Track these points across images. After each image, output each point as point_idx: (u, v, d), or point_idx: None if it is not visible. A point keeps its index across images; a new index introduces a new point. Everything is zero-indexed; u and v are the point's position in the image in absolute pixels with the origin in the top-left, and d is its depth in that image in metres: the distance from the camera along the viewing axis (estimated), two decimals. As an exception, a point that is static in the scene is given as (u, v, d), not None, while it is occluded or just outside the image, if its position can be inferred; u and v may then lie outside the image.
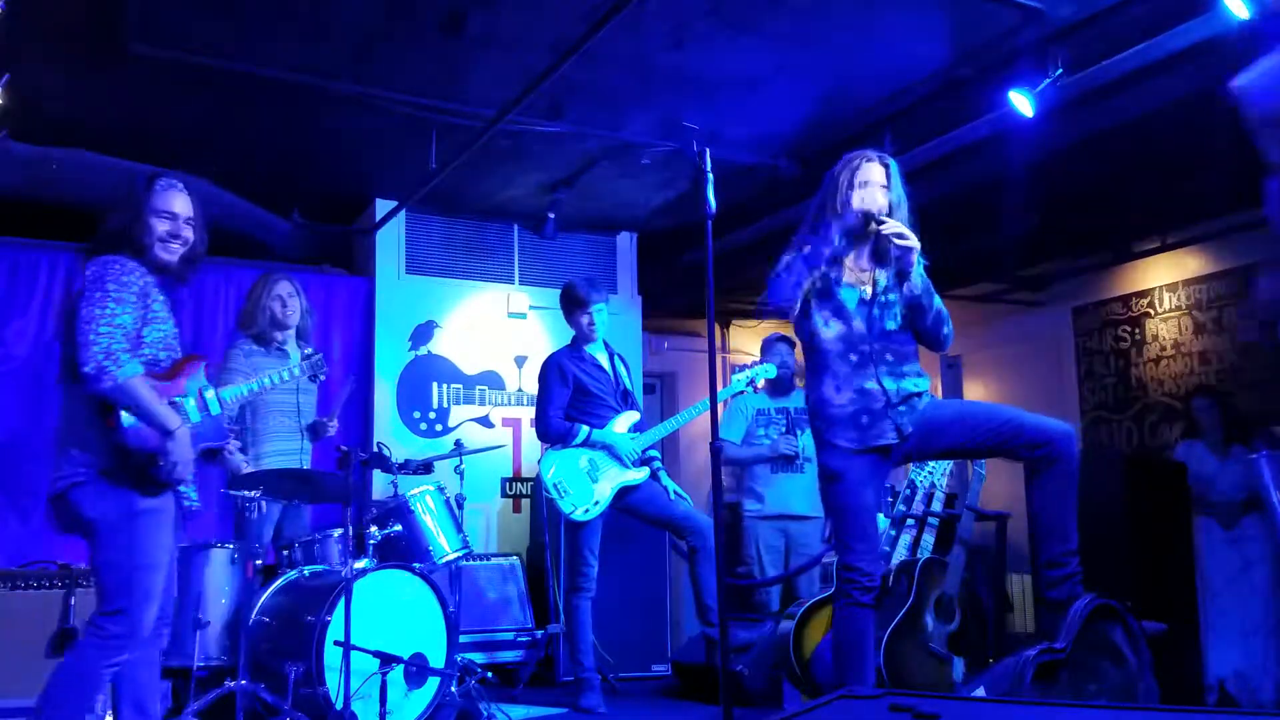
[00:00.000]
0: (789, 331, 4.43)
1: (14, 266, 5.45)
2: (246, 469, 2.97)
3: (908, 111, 4.86)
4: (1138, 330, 6.82)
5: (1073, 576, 2.98)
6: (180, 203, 2.90)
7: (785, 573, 5.17)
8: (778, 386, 5.39)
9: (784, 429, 5.34)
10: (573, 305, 4.79)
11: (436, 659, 3.86)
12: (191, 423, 2.81)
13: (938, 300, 3.15)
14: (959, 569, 3.99)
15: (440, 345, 6.38)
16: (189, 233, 2.89)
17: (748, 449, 5.37)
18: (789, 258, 3.13)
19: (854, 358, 3.07)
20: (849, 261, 3.13)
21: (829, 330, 3.09)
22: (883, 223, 3.03)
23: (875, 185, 3.12)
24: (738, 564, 5.29)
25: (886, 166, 3.18)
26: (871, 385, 3.05)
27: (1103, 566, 3.50)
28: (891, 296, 3.13)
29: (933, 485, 4.41)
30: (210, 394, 2.91)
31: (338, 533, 4.17)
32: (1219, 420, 5.37)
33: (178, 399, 2.80)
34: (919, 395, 3.09)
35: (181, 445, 2.68)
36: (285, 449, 4.45)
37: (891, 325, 3.12)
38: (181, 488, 2.79)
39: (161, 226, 2.84)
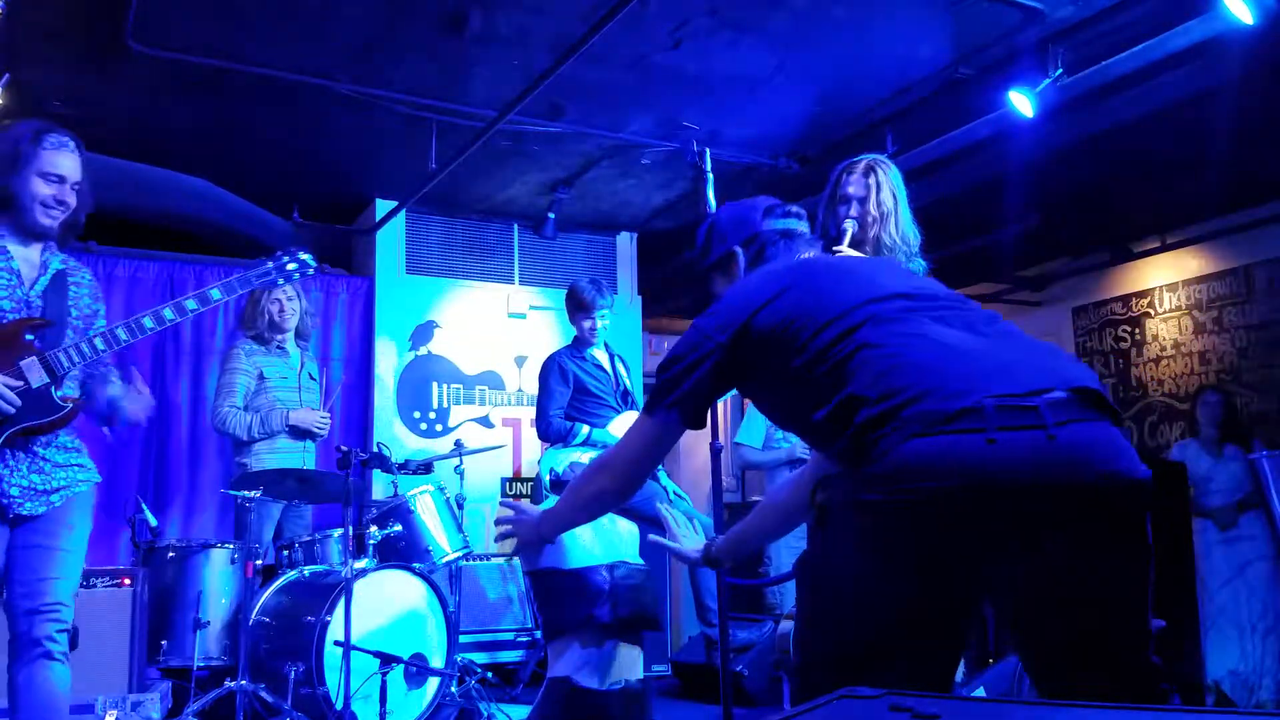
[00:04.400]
0: None
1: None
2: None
3: (908, 111, 4.85)
4: (1138, 330, 6.83)
5: None
6: (69, 164, 2.65)
7: (785, 574, 5.17)
8: None
9: None
10: (577, 308, 4.79)
11: (436, 659, 3.86)
12: None
13: None
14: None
15: (440, 345, 6.38)
16: (73, 198, 2.65)
17: (767, 453, 5.35)
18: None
19: None
20: None
21: None
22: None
23: (853, 201, 3.00)
24: (759, 564, 5.28)
25: (869, 174, 2.89)
26: None
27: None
28: None
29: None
30: (34, 368, 2.49)
31: (338, 533, 4.17)
32: (1218, 419, 5.38)
33: None
34: None
35: None
36: (288, 448, 4.45)
37: None
38: None
39: (45, 189, 2.60)
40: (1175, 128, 4.55)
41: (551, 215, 6.22)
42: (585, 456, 4.62)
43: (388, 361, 6.21)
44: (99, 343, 2.57)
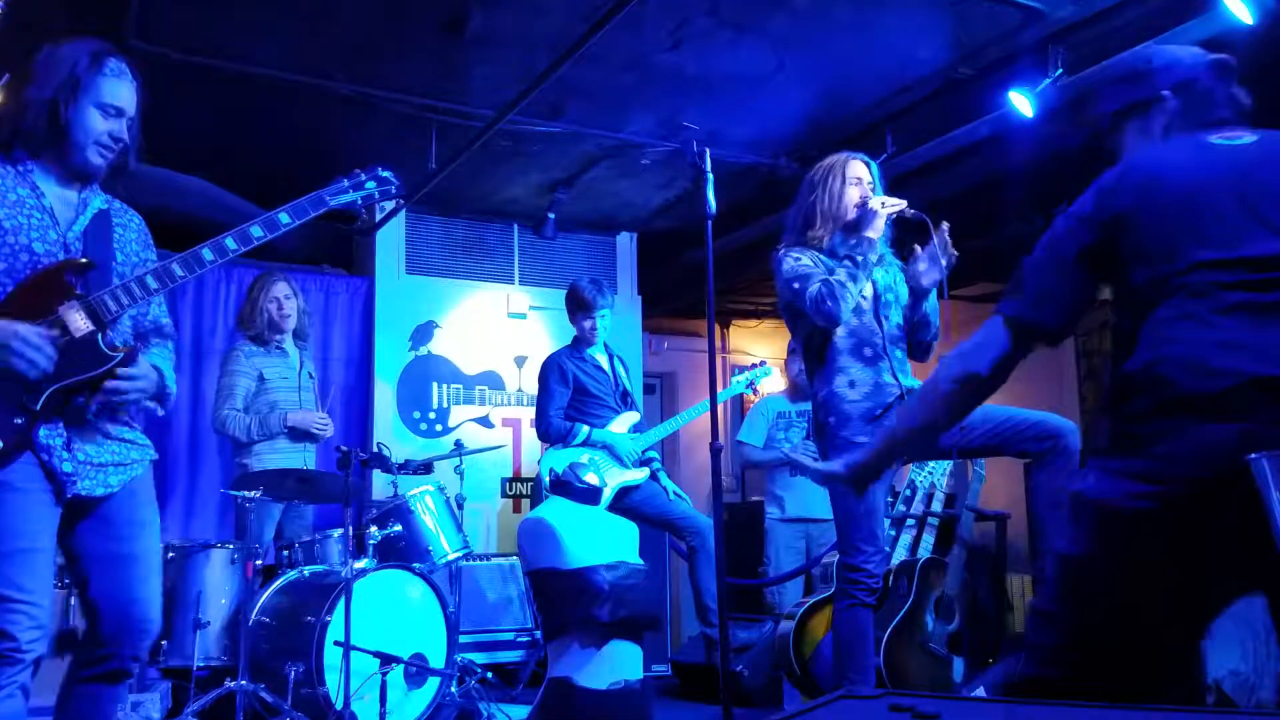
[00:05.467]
0: None
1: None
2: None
3: (908, 111, 4.86)
4: (1138, 330, 6.81)
5: None
6: (128, 95, 2.33)
7: (785, 573, 5.17)
8: (799, 389, 5.37)
9: (805, 433, 5.33)
10: (577, 308, 4.79)
11: (436, 659, 3.86)
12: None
13: (936, 316, 3.20)
14: (959, 569, 4.00)
15: (440, 345, 6.38)
16: (128, 135, 2.31)
17: (769, 452, 5.36)
18: (813, 284, 3.00)
19: (867, 351, 3.07)
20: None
21: (840, 327, 3.08)
22: (934, 222, 3.07)
23: (865, 184, 3.16)
24: (759, 564, 5.30)
25: (868, 164, 3.22)
26: (888, 379, 3.05)
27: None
28: (890, 296, 3.15)
29: (933, 485, 4.41)
30: (75, 314, 2.11)
31: (338, 533, 4.18)
32: None
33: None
34: None
35: None
36: (288, 448, 4.46)
37: (897, 320, 3.15)
38: (45, 455, 2.08)
39: (103, 124, 2.25)
40: (1175, 128, 4.54)
41: (551, 215, 6.22)
42: (585, 457, 4.62)
43: (388, 362, 6.21)
44: (150, 280, 2.21)
